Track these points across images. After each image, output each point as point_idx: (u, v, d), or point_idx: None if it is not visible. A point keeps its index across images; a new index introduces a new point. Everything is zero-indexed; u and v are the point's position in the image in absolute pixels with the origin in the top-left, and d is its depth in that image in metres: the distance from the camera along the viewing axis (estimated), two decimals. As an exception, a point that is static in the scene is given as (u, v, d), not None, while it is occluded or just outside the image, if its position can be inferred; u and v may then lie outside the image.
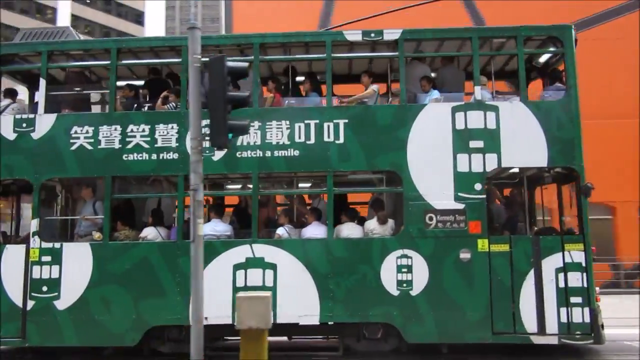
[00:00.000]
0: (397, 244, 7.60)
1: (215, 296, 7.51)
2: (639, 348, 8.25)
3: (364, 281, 7.53)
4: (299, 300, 7.54)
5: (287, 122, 7.87)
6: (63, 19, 50.10)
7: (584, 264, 7.44)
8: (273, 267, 7.63)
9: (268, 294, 5.99)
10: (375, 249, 7.62)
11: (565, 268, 7.45)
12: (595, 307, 7.33)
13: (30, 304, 7.67)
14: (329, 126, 7.83)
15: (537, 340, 7.36)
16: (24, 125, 8.03)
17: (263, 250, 7.68)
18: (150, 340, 7.78)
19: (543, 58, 9.05)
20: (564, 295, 7.38)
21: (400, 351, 7.63)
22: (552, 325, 7.35)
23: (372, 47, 8.57)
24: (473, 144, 7.72)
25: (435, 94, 8.11)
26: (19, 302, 7.69)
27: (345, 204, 8.60)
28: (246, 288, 7.56)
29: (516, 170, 8.18)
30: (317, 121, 7.87)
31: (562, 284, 7.41)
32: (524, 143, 7.71)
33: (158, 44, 8.86)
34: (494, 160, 7.67)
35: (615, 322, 8.95)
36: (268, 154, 7.84)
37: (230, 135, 6.02)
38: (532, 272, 7.46)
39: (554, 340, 7.34)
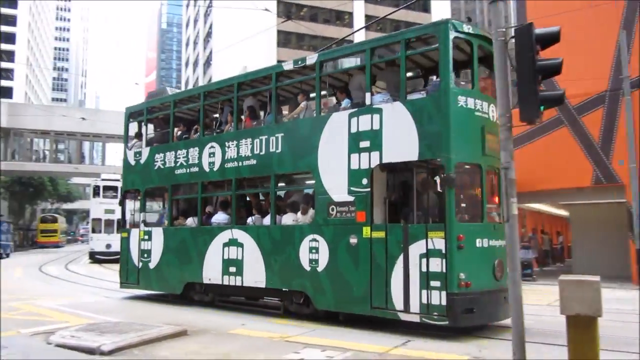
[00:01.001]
0: (310, 230, 9.49)
1: (214, 265, 11.01)
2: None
3: (289, 258, 9.72)
4: (254, 270, 10.29)
5: (250, 140, 10.64)
6: (358, 21, 57.92)
7: (444, 251, 7.85)
8: (242, 245, 10.58)
9: (597, 278, 5.09)
10: (296, 233, 9.71)
11: (428, 254, 8.00)
12: (455, 291, 7.69)
13: (140, 264, 12.71)
14: (272, 139, 10.24)
15: (404, 317, 8.18)
16: (137, 155, 13.14)
17: (238, 234, 10.71)
18: (189, 291, 11.79)
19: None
20: (425, 279, 7.97)
21: (317, 315, 9.48)
22: (415, 305, 8.05)
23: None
24: (362, 144, 8.91)
25: (345, 102, 9.47)
26: (136, 263, 12.83)
27: None
28: (228, 260, 10.75)
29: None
30: (267, 136, 10.36)
31: (424, 269, 8.01)
32: (400, 139, 8.46)
33: (192, 93, 12.55)
34: (376, 157, 8.70)
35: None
36: (240, 164, 10.78)
37: (542, 107, 5.59)
38: (401, 257, 8.26)
39: (416, 319, 8.04)
